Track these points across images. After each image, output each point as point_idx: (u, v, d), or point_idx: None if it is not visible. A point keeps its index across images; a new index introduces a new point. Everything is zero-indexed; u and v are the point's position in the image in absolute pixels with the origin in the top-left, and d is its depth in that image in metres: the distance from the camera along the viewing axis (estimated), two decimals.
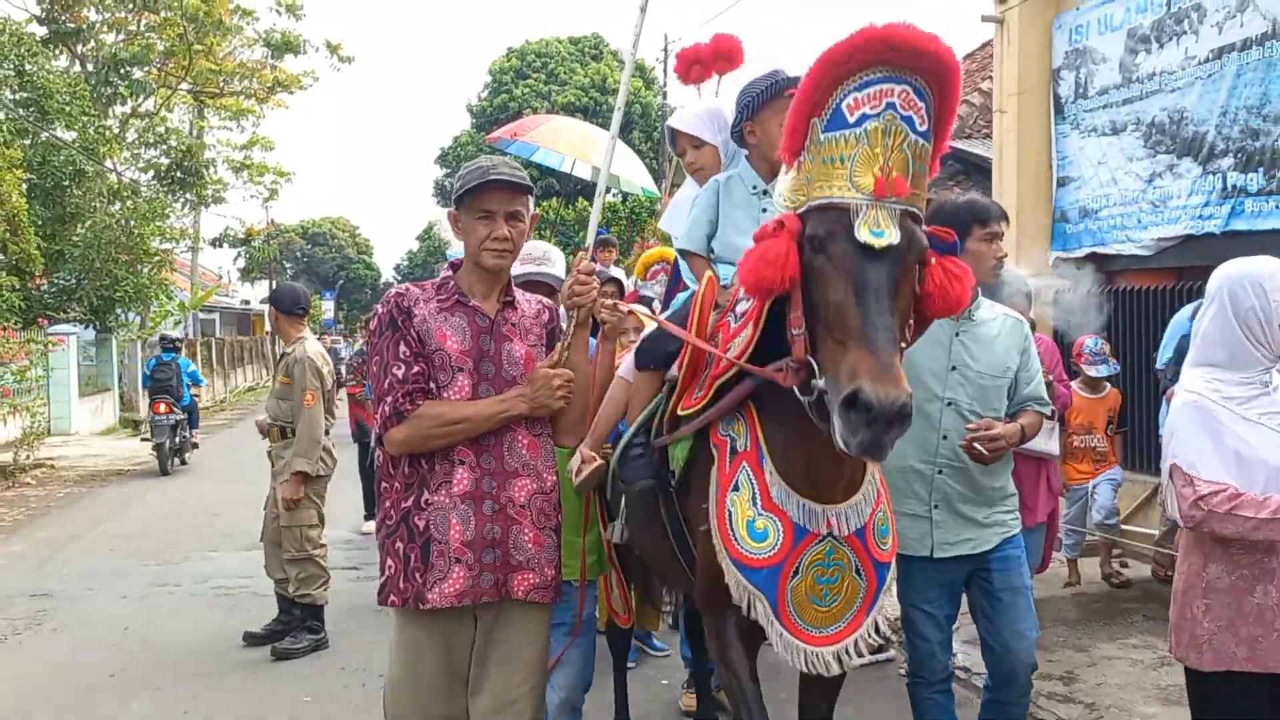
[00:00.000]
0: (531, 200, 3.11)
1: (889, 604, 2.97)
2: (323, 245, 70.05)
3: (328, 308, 64.63)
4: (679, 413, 3.07)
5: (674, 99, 39.02)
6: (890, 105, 2.40)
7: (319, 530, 6.21)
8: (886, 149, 2.41)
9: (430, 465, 2.92)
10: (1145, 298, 7.85)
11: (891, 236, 2.40)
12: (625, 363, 3.56)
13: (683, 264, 3.72)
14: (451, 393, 2.92)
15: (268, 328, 43.50)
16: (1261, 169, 6.85)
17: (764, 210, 3.22)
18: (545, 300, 3.26)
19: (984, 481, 3.57)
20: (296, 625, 6.13)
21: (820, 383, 2.46)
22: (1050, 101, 8.90)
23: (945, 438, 3.51)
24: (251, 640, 6.19)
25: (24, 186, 11.83)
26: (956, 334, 3.52)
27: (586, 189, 31.38)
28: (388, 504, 2.98)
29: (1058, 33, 8.84)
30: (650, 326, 3.61)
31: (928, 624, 3.59)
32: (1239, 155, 7.02)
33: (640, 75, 39.94)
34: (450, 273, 3.09)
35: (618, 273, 8.09)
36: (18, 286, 12.03)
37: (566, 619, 3.61)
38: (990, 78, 10.51)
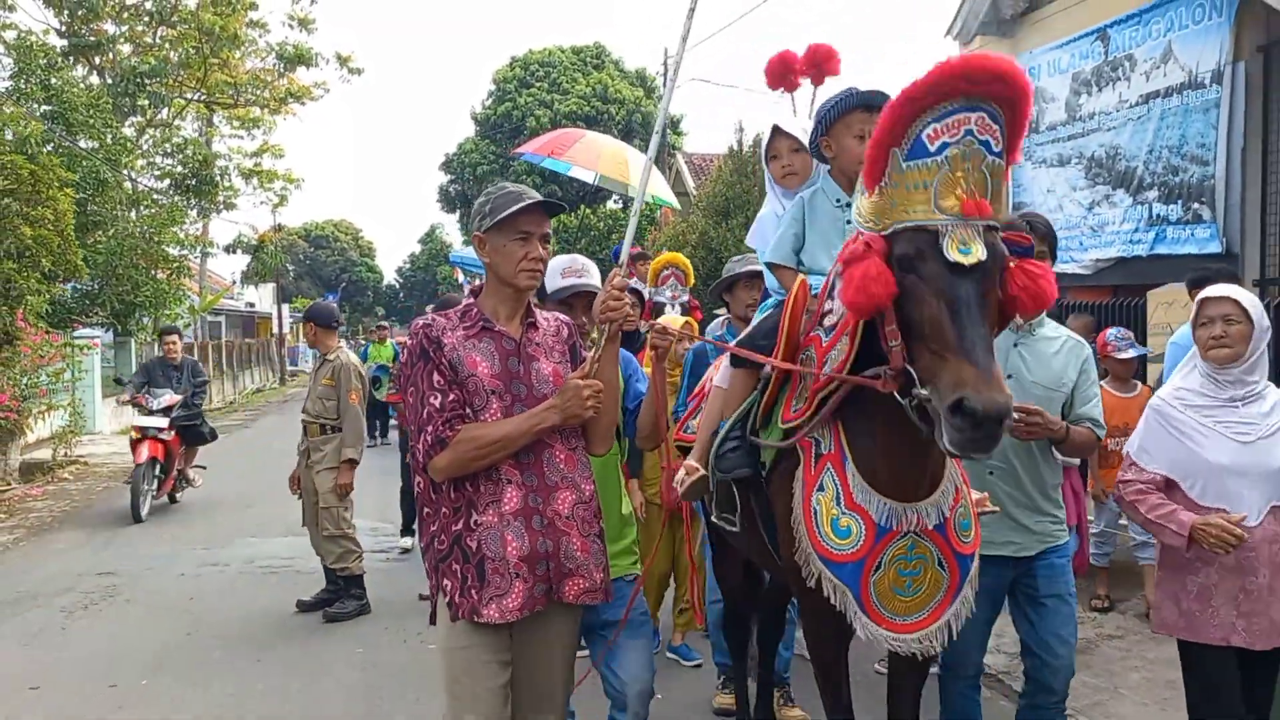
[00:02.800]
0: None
1: (970, 595, 3.06)
2: (325, 248, 70.42)
3: None
4: (783, 425, 3.17)
5: (674, 109, 40.11)
6: (969, 132, 2.51)
7: (351, 510, 7.28)
8: (967, 173, 2.53)
9: (476, 487, 3.02)
10: (1086, 311, 8.83)
11: (979, 253, 2.52)
12: (720, 374, 3.71)
13: (769, 276, 3.81)
14: (486, 416, 3.03)
15: (276, 335, 44.39)
16: (1180, 201, 7.86)
17: (848, 223, 3.19)
18: (561, 317, 3.38)
19: (1032, 488, 3.70)
20: (342, 593, 7.11)
21: (921, 391, 2.57)
22: None
23: None
24: (304, 607, 7.18)
25: (73, 202, 12.78)
26: (1015, 344, 3.68)
27: (589, 196, 32.14)
28: (434, 528, 3.08)
29: None
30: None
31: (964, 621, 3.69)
32: (1162, 188, 8.03)
33: (642, 86, 40.84)
34: (472, 300, 3.19)
35: (637, 284, 8.80)
36: (42, 291, 12.86)
37: (616, 617, 3.62)
38: None
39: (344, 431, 7.16)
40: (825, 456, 3.02)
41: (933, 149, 2.52)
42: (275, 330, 44.33)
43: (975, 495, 3.25)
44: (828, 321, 2.99)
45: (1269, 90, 7.55)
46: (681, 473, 3.58)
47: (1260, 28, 7.15)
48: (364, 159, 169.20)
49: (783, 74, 3.90)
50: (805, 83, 3.83)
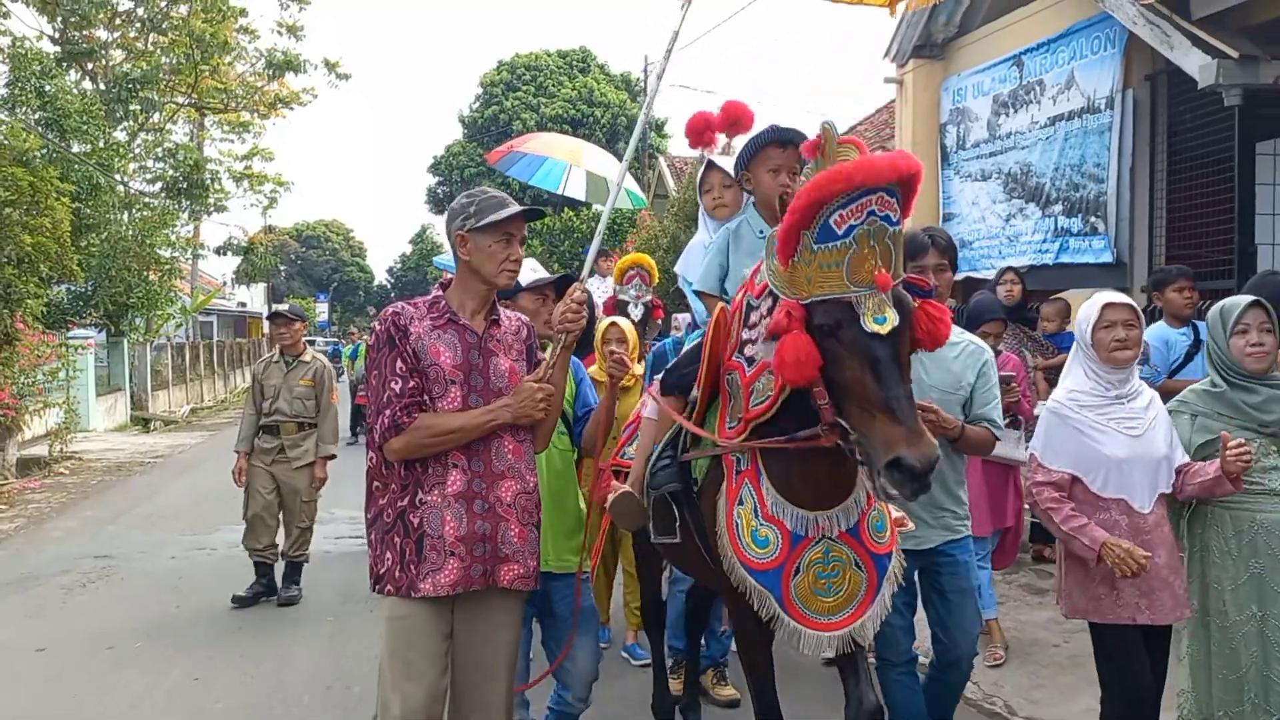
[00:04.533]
0: None
1: (889, 592, 3.25)
2: (317, 248, 70.76)
3: (321, 310, 65.78)
4: (720, 442, 3.32)
5: (658, 112, 40.81)
6: (871, 212, 2.70)
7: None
8: (873, 250, 2.70)
9: (424, 468, 3.19)
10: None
11: (893, 320, 2.71)
12: (648, 409, 3.85)
13: (696, 303, 4.04)
14: (444, 403, 3.20)
15: (267, 335, 44.98)
16: (1080, 215, 8.63)
17: None
18: (523, 317, 3.56)
19: (934, 485, 4.13)
20: (285, 580, 7.58)
21: (854, 439, 2.76)
22: (938, 150, 10.70)
23: None
24: (240, 603, 7.37)
25: (69, 210, 13.54)
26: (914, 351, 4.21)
27: (571, 200, 32.69)
28: (382, 502, 3.24)
29: (944, 94, 10.62)
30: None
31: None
32: (1065, 203, 8.80)
33: (627, 89, 41.53)
34: (440, 292, 3.34)
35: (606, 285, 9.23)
36: (41, 294, 13.50)
37: (566, 612, 3.90)
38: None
39: (324, 430, 7.57)
40: (744, 473, 3.22)
41: (840, 232, 2.70)
42: (266, 330, 44.97)
43: (895, 514, 3.46)
44: (748, 351, 3.16)
45: (1155, 115, 8.32)
46: (611, 494, 3.76)
47: (1148, 59, 7.89)
48: (354, 161, 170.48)
49: (700, 131, 4.31)
50: (721, 138, 4.22)
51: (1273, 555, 3.67)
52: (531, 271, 4.09)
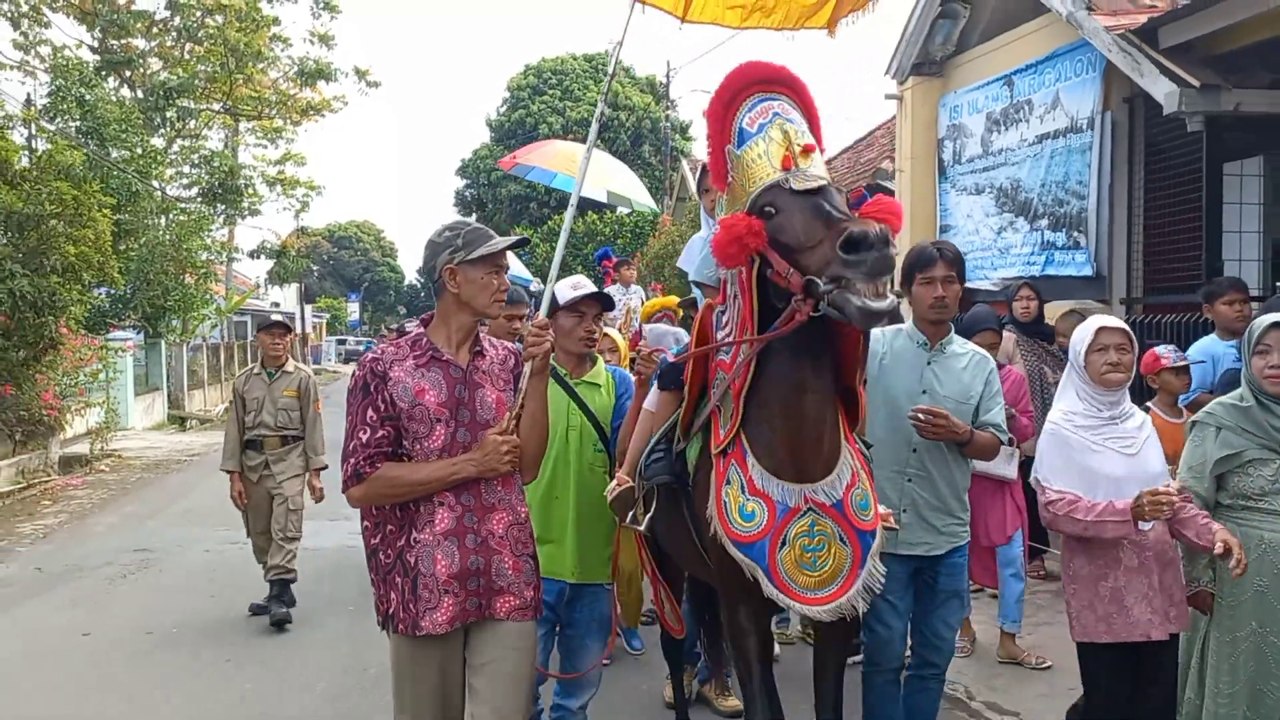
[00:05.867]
0: None
1: (876, 568, 3.31)
2: (348, 249, 71.52)
3: (353, 310, 66.80)
4: (715, 449, 3.39)
5: (683, 115, 41.25)
6: (776, 114, 3.14)
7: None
8: (787, 138, 3.08)
9: (416, 507, 3.19)
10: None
11: (820, 179, 3.06)
12: (649, 399, 3.95)
13: (697, 292, 4.21)
14: (430, 442, 3.17)
15: (299, 334, 45.79)
16: (1065, 229, 9.04)
17: None
18: (510, 346, 3.51)
19: (946, 491, 4.01)
20: (275, 600, 7.29)
21: (823, 284, 2.85)
22: (935, 165, 11.13)
23: (915, 451, 3.98)
24: (256, 610, 7.32)
25: (111, 221, 14.24)
26: (929, 362, 4.02)
27: (595, 202, 33.15)
28: (375, 541, 3.26)
29: (942, 110, 11.04)
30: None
31: (891, 613, 4.00)
32: (1051, 218, 9.21)
33: (651, 93, 41.94)
34: (422, 330, 3.31)
35: (635, 294, 9.73)
36: (84, 301, 14.12)
37: (586, 618, 4.05)
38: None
39: (313, 441, 7.30)
40: (729, 454, 3.32)
41: (754, 130, 3.13)
42: (299, 330, 45.85)
43: (882, 510, 3.53)
44: (722, 334, 3.36)
45: (1133, 136, 8.73)
46: (612, 483, 3.92)
47: (1125, 83, 8.28)
48: (384, 164, 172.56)
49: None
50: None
51: (1277, 575, 3.60)
52: (572, 289, 4.07)
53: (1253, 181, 8.28)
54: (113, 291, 22.06)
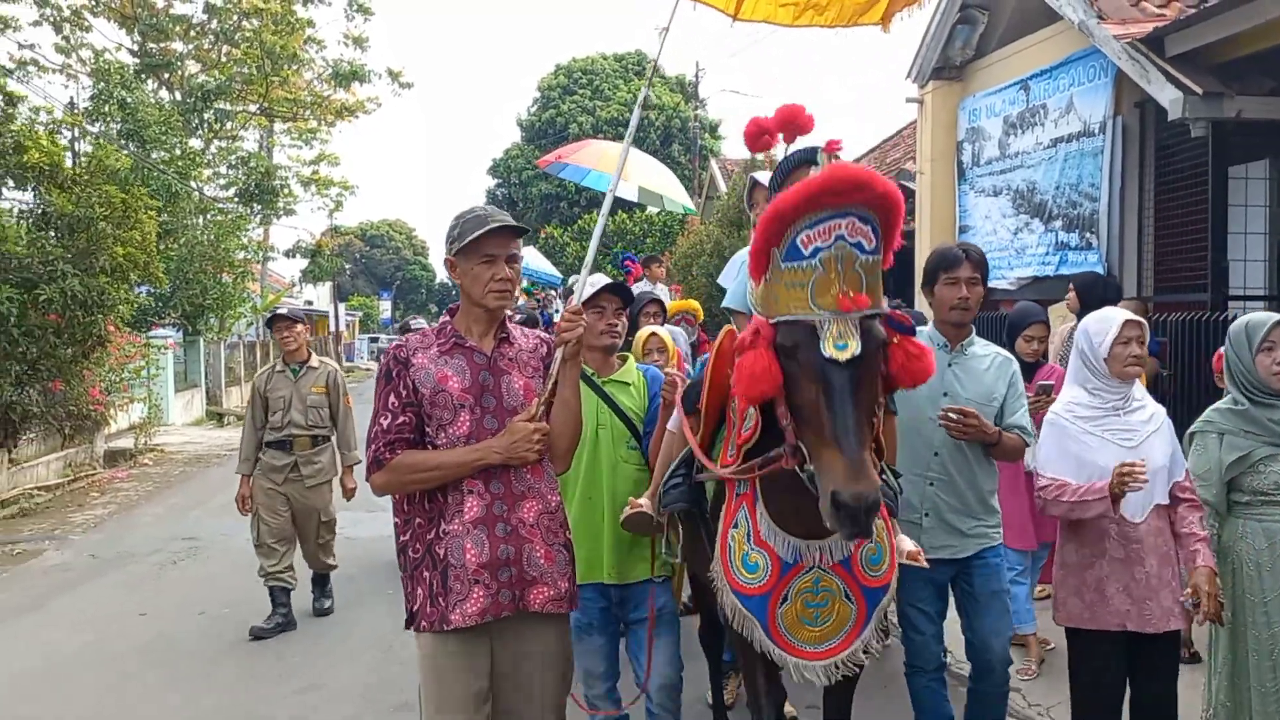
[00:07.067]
0: (521, 242, 3.30)
1: (874, 625, 3.20)
2: (380, 247, 72.31)
3: (385, 307, 67.40)
4: (720, 469, 3.28)
5: (712, 114, 41.54)
6: (840, 236, 2.66)
7: None
8: (840, 273, 2.66)
9: (444, 497, 3.12)
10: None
11: (854, 349, 2.65)
12: (672, 420, 3.85)
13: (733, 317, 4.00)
14: (455, 428, 3.11)
15: (334, 332, 46.48)
16: (1078, 230, 9.31)
17: None
18: (542, 335, 3.43)
19: (970, 495, 3.96)
20: (316, 589, 7.46)
21: (810, 468, 2.75)
22: (955, 167, 11.41)
23: (937, 454, 3.94)
24: (258, 635, 6.83)
25: (156, 224, 14.75)
26: (950, 364, 3.96)
27: (625, 201, 33.37)
28: (405, 536, 3.19)
29: (961, 113, 11.30)
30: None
31: (921, 619, 3.99)
32: (1065, 219, 9.47)
33: (681, 92, 42.23)
34: (448, 318, 3.27)
35: (661, 292, 9.72)
36: (130, 300, 14.56)
37: (642, 614, 3.97)
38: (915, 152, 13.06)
39: (345, 437, 7.11)
40: (742, 496, 3.21)
41: (806, 253, 2.67)
42: (332, 327, 46.51)
43: (910, 547, 3.48)
44: None
45: (1144, 140, 8.98)
46: (627, 508, 3.82)
47: (1135, 88, 8.53)
48: (416, 163, 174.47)
49: (757, 137, 3.99)
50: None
51: None
52: (591, 287, 3.97)
53: (1258, 184, 8.55)
54: (154, 290, 22.61)
